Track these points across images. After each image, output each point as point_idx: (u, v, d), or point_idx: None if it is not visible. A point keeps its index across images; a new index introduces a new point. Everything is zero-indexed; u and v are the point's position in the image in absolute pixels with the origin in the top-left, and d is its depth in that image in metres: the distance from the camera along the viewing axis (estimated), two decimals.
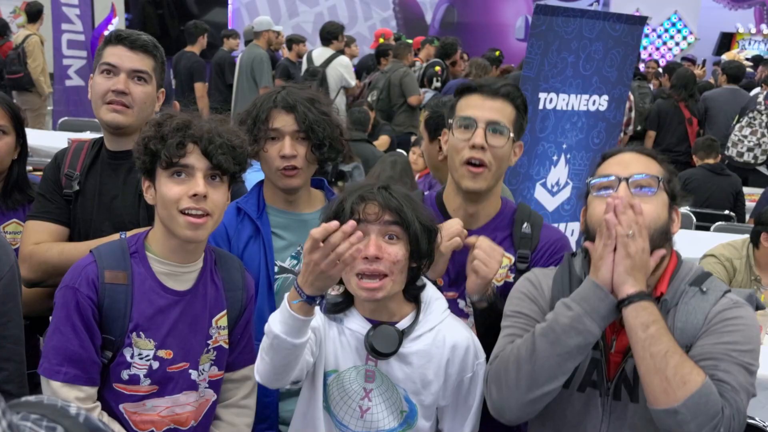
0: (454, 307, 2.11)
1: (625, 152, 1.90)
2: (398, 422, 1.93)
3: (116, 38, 2.36)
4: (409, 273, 1.88)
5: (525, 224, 2.17)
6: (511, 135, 2.11)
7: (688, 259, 1.93)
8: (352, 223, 1.66)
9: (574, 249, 2.21)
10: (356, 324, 1.92)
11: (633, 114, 7.97)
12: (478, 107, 2.11)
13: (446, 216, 2.17)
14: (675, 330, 1.74)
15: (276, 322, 1.74)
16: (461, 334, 1.96)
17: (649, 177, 1.81)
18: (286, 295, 1.76)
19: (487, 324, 2.05)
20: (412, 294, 1.95)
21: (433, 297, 1.98)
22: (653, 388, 1.65)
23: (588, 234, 1.85)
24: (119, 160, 2.37)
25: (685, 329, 1.75)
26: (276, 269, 2.24)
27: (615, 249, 1.71)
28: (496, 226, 2.18)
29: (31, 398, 0.87)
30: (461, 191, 2.14)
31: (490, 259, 2.00)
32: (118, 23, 10.13)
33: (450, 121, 2.16)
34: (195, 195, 1.81)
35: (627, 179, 1.80)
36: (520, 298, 1.91)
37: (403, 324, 1.91)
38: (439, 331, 1.93)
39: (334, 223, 1.65)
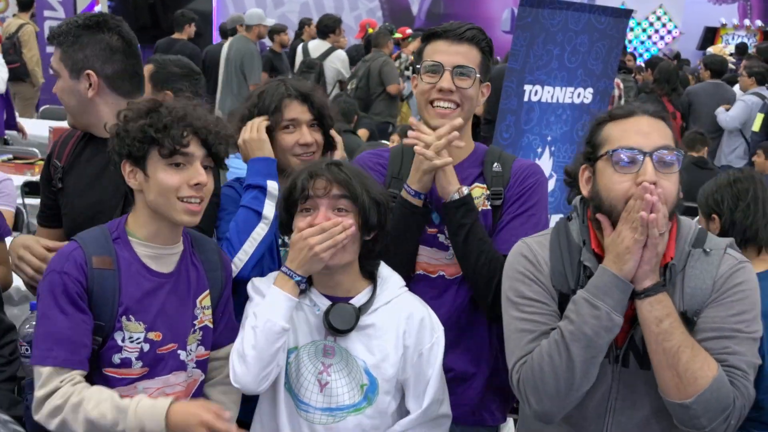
0: (434, 241, 2.21)
1: (640, 115, 1.82)
2: (359, 397, 1.99)
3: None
4: (362, 246, 1.98)
5: (495, 164, 2.23)
6: (478, 76, 2.17)
7: None
8: (350, 221, 1.90)
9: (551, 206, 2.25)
10: (314, 301, 2.01)
11: (623, 102, 8.00)
12: (444, 52, 2.17)
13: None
14: (684, 295, 1.78)
15: (268, 308, 1.89)
16: (417, 306, 2.05)
17: (673, 155, 1.76)
18: (272, 284, 1.94)
19: (462, 224, 2.09)
20: (368, 269, 2.04)
21: (390, 274, 2.07)
22: (666, 381, 1.70)
23: (598, 204, 1.80)
24: (101, 146, 2.28)
25: (694, 294, 1.78)
26: (279, 242, 2.33)
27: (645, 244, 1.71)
28: (469, 164, 2.25)
29: None
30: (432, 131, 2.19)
31: (425, 151, 2.06)
32: (101, 10, 10.02)
33: (418, 66, 2.22)
34: (197, 184, 1.87)
35: (651, 154, 1.74)
36: (520, 280, 1.87)
37: (359, 300, 2.00)
38: (396, 304, 2.02)
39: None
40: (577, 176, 1.89)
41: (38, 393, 1.82)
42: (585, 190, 1.86)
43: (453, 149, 2.15)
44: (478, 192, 2.21)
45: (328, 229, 1.89)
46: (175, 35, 8.47)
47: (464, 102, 2.16)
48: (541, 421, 1.84)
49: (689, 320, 1.76)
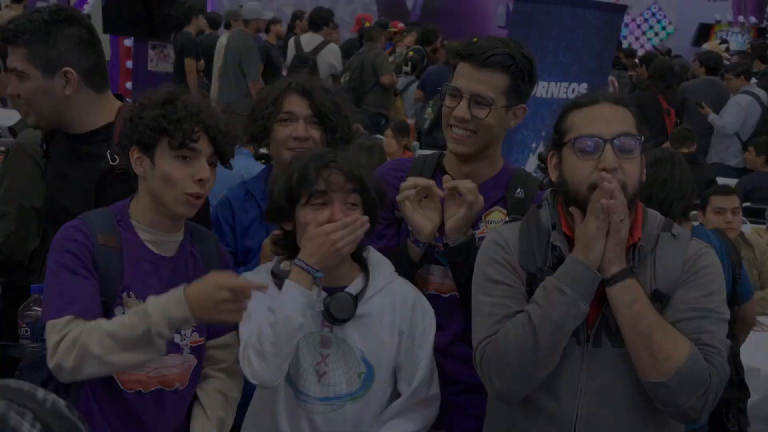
0: (431, 254, 2.18)
1: (602, 103, 1.86)
2: (357, 385, 2.01)
3: None
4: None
5: (519, 189, 2.19)
6: (493, 107, 2.08)
7: None
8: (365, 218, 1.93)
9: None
10: None
11: None
12: (466, 77, 2.10)
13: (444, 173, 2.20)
14: (656, 275, 1.83)
15: (286, 304, 1.88)
16: (408, 291, 2.08)
17: (634, 141, 1.81)
18: (286, 280, 1.93)
19: (462, 270, 2.07)
20: (357, 255, 2.06)
21: (381, 260, 2.09)
22: (642, 362, 1.75)
23: (566, 190, 1.84)
24: (76, 143, 2.24)
25: (666, 274, 1.83)
26: None
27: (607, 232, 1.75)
28: (492, 186, 2.20)
29: None
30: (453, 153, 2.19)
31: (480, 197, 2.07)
32: (93, 3, 9.97)
33: (446, 85, 2.16)
34: (201, 180, 1.92)
35: (612, 141, 1.78)
36: (490, 264, 1.90)
37: (355, 288, 2.02)
38: (389, 291, 2.05)
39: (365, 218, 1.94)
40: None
41: (53, 339, 1.80)
42: (553, 175, 1.91)
43: (474, 171, 2.15)
44: (498, 216, 2.19)
45: (349, 224, 1.92)
46: (186, 28, 8.40)
47: (480, 130, 2.09)
48: (503, 400, 1.87)
49: (663, 295, 1.81)
